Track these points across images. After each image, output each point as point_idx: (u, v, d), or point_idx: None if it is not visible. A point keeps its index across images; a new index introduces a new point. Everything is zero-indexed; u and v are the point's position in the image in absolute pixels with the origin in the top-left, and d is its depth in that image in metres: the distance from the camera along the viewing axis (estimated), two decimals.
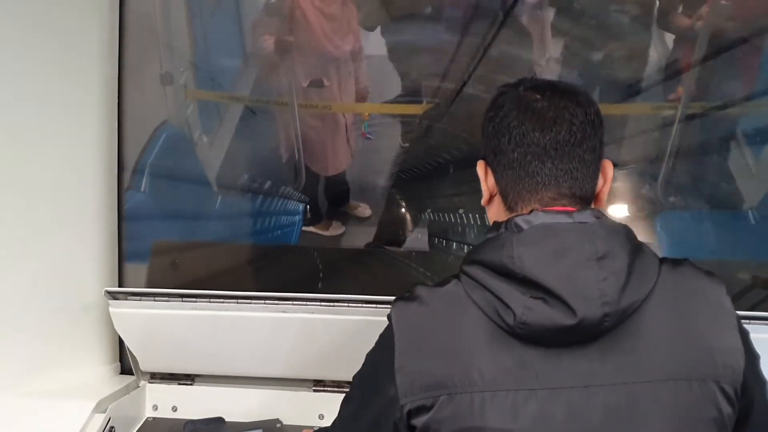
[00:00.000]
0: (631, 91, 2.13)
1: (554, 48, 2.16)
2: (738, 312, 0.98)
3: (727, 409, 0.91)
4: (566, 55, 2.13)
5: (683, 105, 2.03)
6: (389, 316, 0.98)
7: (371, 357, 1.02)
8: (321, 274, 2.10)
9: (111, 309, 1.50)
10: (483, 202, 1.06)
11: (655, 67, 2.17)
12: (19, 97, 1.43)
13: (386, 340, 0.97)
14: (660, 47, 2.21)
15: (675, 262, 0.97)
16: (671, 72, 2.15)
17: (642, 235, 2.06)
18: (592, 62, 2.11)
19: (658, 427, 0.89)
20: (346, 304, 1.47)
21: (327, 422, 1.17)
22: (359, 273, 2.15)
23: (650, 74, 2.14)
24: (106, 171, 1.60)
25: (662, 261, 0.96)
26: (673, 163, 2.07)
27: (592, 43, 2.12)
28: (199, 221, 2.30)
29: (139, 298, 1.48)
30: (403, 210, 2.42)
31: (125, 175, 1.76)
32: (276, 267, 2.15)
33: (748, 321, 1.32)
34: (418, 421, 0.92)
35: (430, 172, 2.32)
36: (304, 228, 2.45)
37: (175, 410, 1.58)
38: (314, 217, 2.59)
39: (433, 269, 2.09)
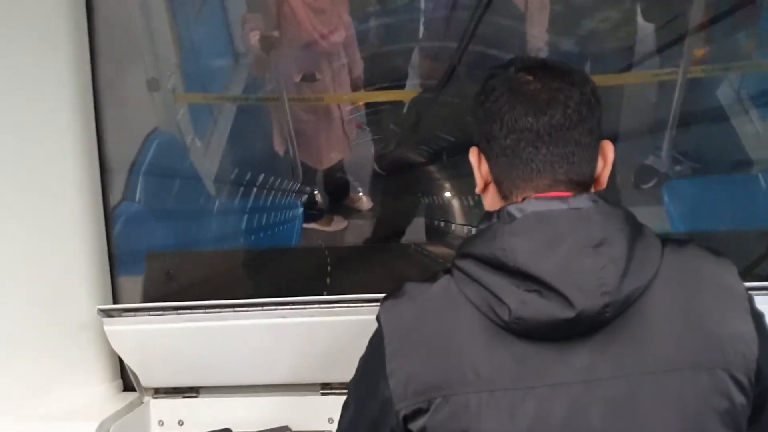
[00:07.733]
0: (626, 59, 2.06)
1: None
2: (754, 283, 0.92)
3: (740, 399, 0.86)
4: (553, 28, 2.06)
5: (683, 70, 1.96)
6: (378, 318, 0.94)
7: (363, 362, 0.98)
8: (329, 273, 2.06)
9: (105, 327, 1.47)
10: (478, 190, 1.01)
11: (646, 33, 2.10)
12: None
13: (376, 342, 0.93)
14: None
15: (679, 244, 0.92)
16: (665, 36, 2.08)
17: (649, 206, 2.02)
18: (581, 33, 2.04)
19: (663, 420, 0.84)
20: (347, 305, 1.44)
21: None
22: (367, 269, 2.11)
23: (643, 40, 2.07)
24: (89, 184, 1.57)
25: (666, 243, 0.90)
26: (677, 131, 2.01)
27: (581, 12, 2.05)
28: (199, 228, 2.26)
29: (133, 313, 1.45)
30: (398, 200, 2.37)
31: (115, 186, 1.73)
32: (279, 269, 2.11)
33: (764, 291, 1.27)
34: (415, 426, 0.88)
35: (424, 158, 2.26)
36: (305, 225, 2.40)
37: (182, 424, 1.56)
38: (315, 213, 2.55)
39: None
